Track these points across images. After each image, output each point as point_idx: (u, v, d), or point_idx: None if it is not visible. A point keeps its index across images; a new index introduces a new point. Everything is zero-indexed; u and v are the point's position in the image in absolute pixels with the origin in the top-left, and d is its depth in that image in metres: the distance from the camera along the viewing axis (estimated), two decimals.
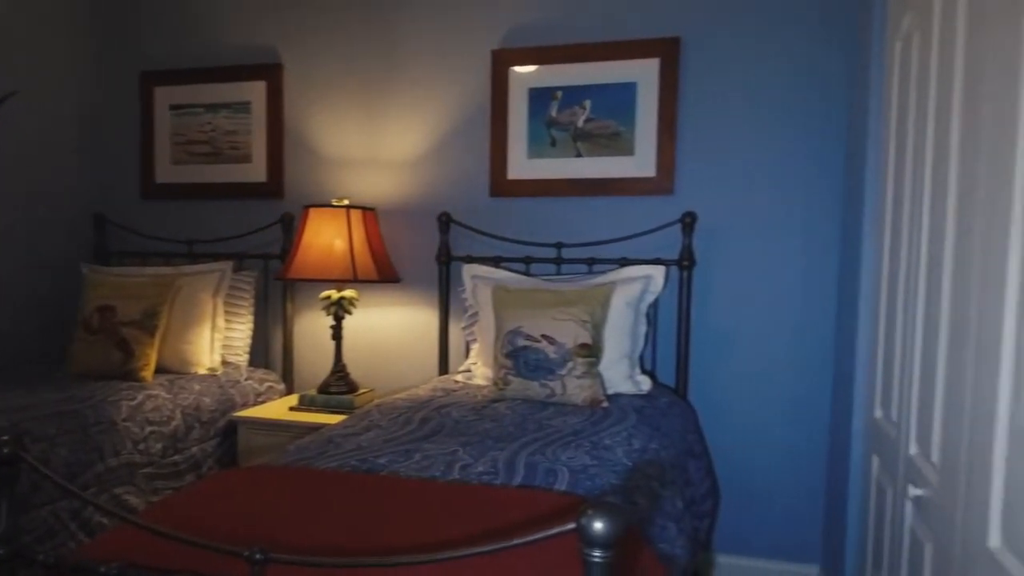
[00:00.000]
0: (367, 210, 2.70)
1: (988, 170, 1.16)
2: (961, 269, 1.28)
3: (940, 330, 1.38)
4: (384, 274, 2.65)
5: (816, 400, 2.49)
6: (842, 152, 2.45)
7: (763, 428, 2.54)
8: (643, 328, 2.41)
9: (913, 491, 1.46)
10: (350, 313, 2.69)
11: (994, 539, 1.08)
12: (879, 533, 1.81)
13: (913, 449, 1.54)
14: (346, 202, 2.68)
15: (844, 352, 2.26)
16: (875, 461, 1.89)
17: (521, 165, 2.77)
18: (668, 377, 2.58)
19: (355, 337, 2.92)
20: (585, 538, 0.87)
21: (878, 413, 1.88)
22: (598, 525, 0.87)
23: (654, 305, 2.53)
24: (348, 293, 2.67)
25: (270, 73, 3.01)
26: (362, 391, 2.69)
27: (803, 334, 2.50)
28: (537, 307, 2.24)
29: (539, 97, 2.74)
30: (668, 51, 2.58)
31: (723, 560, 2.57)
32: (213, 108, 3.10)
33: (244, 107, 3.06)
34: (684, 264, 2.50)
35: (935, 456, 1.39)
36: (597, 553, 0.88)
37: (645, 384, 2.30)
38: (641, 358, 2.44)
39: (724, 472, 2.56)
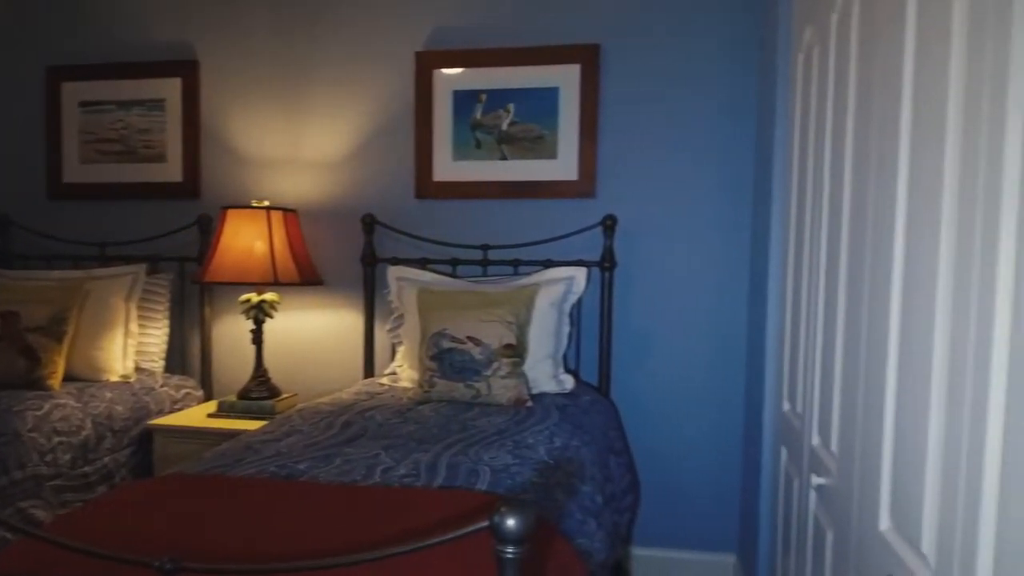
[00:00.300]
0: (288, 211, 2.66)
1: (876, 180, 1.24)
2: (854, 272, 1.37)
3: (837, 330, 1.46)
4: (306, 276, 2.61)
5: (731, 395, 2.59)
6: (753, 159, 2.56)
7: (682, 423, 2.62)
8: (567, 328, 2.45)
9: (816, 480, 1.54)
10: (271, 316, 2.64)
11: (884, 522, 1.16)
12: (788, 521, 1.90)
13: (815, 440, 1.63)
14: (266, 203, 2.63)
15: (755, 349, 2.36)
16: (783, 452, 1.98)
17: (446, 167, 2.77)
18: (591, 376, 2.63)
19: (277, 341, 2.86)
20: (498, 535, 0.89)
21: (786, 406, 1.98)
22: (510, 522, 0.89)
23: (577, 305, 2.58)
24: (269, 296, 2.62)
25: (186, 70, 2.92)
26: (284, 396, 2.64)
27: (719, 332, 2.60)
28: (462, 309, 2.25)
29: (464, 99, 2.76)
30: (588, 58, 2.64)
31: (645, 553, 2.65)
32: (125, 105, 2.99)
33: (158, 104, 2.96)
34: (605, 266, 2.56)
35: (834, 447, 1.47)
36: (510, 549, 0.90)
37: (569, 383, 2.34)
38: (565, 357, 2.48)
39: (645, 467, 2.64)
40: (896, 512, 1.11)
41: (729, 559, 2.61)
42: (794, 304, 1.92)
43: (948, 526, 0.91)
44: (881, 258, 1.20)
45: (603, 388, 2.57)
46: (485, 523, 0.88)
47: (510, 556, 0.90)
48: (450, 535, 0.89)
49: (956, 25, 0.93)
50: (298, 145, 2.86)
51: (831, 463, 1.49)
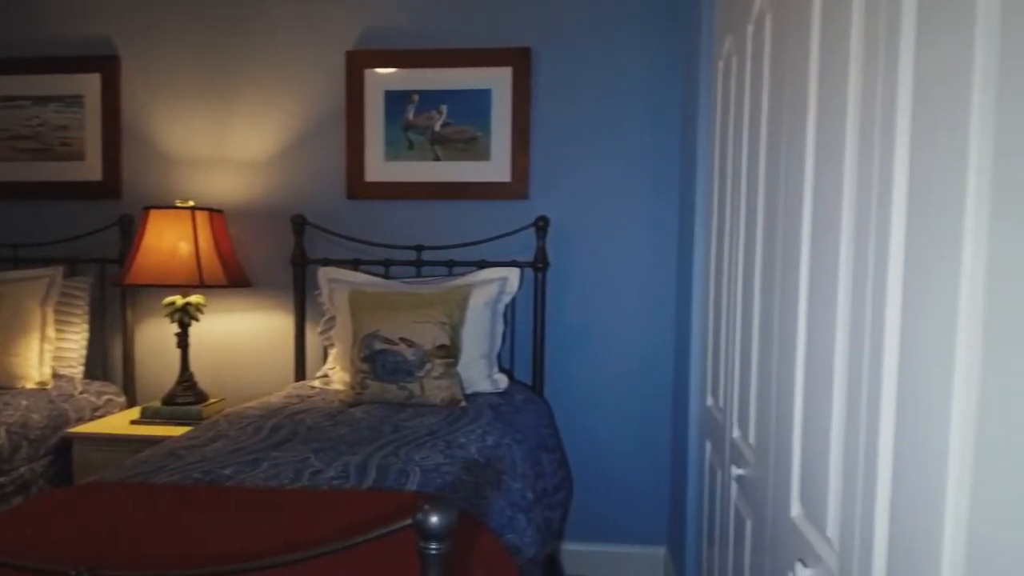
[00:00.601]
0: (215, 212, 2.60)
1: (786, 188, 1.31)
2: (767, 275, 1.43)
3: (753, 329, 1.53)
4: (233, 278, 2.56)
5: (662, 391, 2.67)
6: (679, 162, 2.63)
7: (614, 420, 2.68)
8: (500, 328, 2.47)
9: (736, 471, 1.61)
10: (196, 320, 2.57)
11: (795, 509, 1.22)
12: (712, 512, 1.97)
13: (736, 433, 1.69)
14: (191, 203, 2.57)
15: (682, 347, 2.43)
16: (708, 445, 2.05)
17: (379, 168, 2.76)
18: (526, 375, 2.66)
19: (203, 345, 2.79)
20: (421, 532, 0.90)
21: (709, 401, 2.05)
22: (433, 519, 0.91)
23: (512, 306, 2.61)
24: (194, 299, 2.55)
25: (105, 65, 2.82)
26: (211, 401, 2.58)
27: (650, 331, 2.67)
28: (395, 310, 2.25)
29: (396, 100, 2.75)
30: (520, 60, 2.67)
31: (578, 548, 2.69)
32: (41, 101, 2.86)
33: (76, 101, 2.85)
34: (538, 266, 2.60)
35: (751, 438, 1.54)
36: (433, 545, 0.92)
37: (502, 382, 2.36)
38: (500, 357, 2.51)
39: (578, 463, 2.69)
40: (805, 499, 1.17)
41: (659, 551, 2.68)
42: (716, 304, 1.99)
43: (849, 511, 0.96)
44: (790, 263, 1.26)
45: (537, 387, 2.61)
46: (408, 521, 0.90)
47: (434, 552, 0.92)
48: (373, 534, 0.90)
49: (854, 43, 0.99)
50: (225, 144, 2.80)
51: (749, 454, 1.55)
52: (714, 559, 1.94)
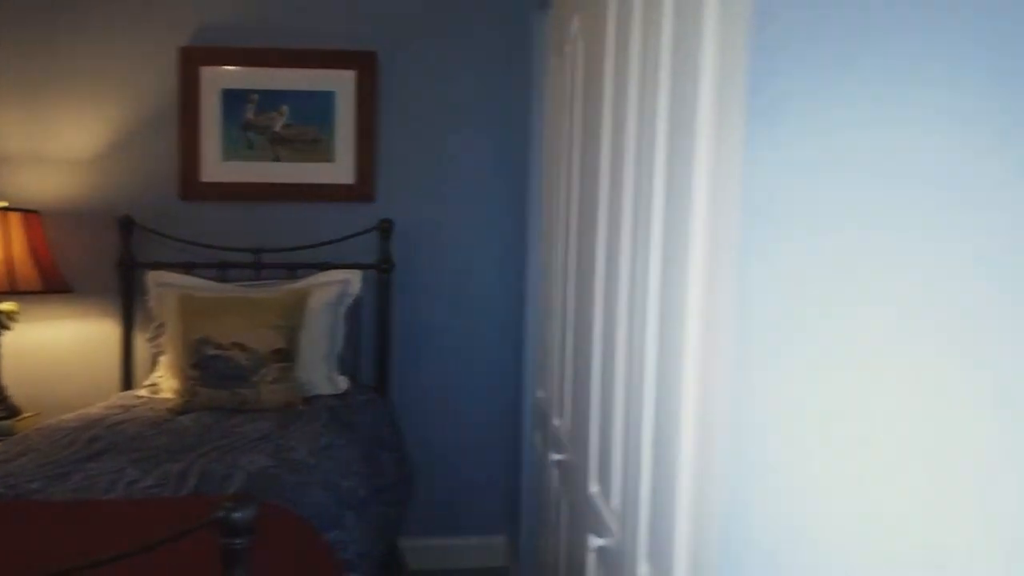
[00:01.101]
0: (30, 213, 2.43)
1: (590, 194, 1.43)
2: (581, 273, 1.56)
3: (568, 327, 1.65)
4: (51, 284, 2.40)
5: (505, 387, 2.78)
6: (523, 165, 2.76)
7: (460, 416, 2.76)
8: (342, 330, 2.48)
9: (555, 456, 1.72)
10: (8, 328, 2.39)
11: (593, 487, 1.34)
12: (542, 498, 2.10)
13: (556, 421, 1.82)
14: (3, 204, 2.38)
15: (519, 342, 2.55)
16: (538, 436, 2.18)
17: (215, 168, 2.68)
18: (373, 376, 2.68)
19: (17, 355, 2.59)
20: (224, 528, 0.93)
21: (540, 393, 2.17)
22: (236, 515, 0.94)
23: (358, 307, 2.62)
24: (6, 306, 2.37)
25: None
26: (25, 415, 2.40)
27: (494, 328, 2.77)
28: (229, 314, 2.20)
29: (234, 99, 2.68)
30: (365, 64, 2.68)
31: (423, 542, 2.75)
32: None
33: None
34: (383, 268, 2.63)
35: (567, 427, 1.66)
36: (236, 541, 0.94)
37: (343, 384, 2.38)
38: (344, 359, 2.51)
39: (424, 460, 2.74)
40: (601, 478, 1.29)
41: (500, 540, 2.79)
42: (545, 302, 2.12)
43: (632, 486, 1.08)
44: (588, 265, 1.39)
45: (381, 387, 2.64)
46: (210, 519, 0.92)
47: (237, 547, 0.94)
48: (174, 535, 0.91)
49: (633, 66, 1.12)
50: (41, 140, 2.62)
51: (567, 441, 1.67)
52: (546, 541, 2.06)
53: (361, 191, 2.70)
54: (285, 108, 2.70)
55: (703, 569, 0.76)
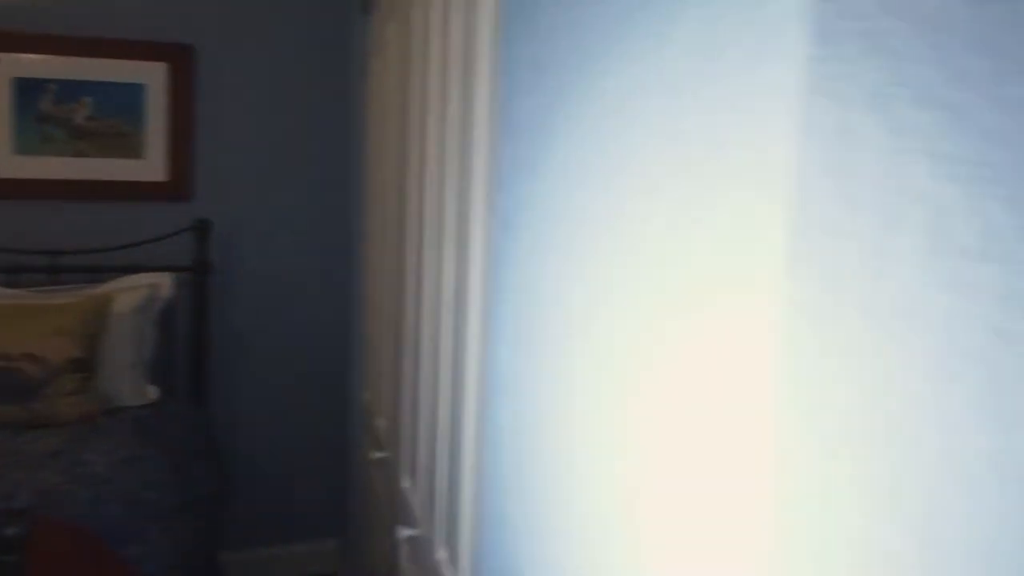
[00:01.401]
0: None
1: (396, 185, 1.47)
2: (398, 274, 1.60)
3: (386, 326, 1.69)
4: None
5: (335, 389, 2.74)
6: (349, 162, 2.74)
7: (287, 421, 2.69)
8: (152, 337, 2.35)
9: (376, 455, 1.75)
10: None
11: (406, 481, 1.38)
12: (367, 498, 2.11)
13: (379, 422, 1.84)
14: None
15: (348, 345, 2.55)
16: (365, 437, 2.19)
17: (6, 163, 2.44)
18: (190, 384, 2.55)
19: None
20: None
21: (366, 395, 2.18)
22: (8, 532, 0.88)
23: (172, 313, 2.48)
24: None
25: None
26: None
27: (323, 330, 2.72)
28: (18, 323, 2.02)
29: (29, 89, 2.46)
30: (180, 57, 2.55)
31: (249, 554, 2.65)
32: None
33: None
34: (199, 271, 2.51)
35: (387, 426, 1.69)
36: (7, 558, 0.89)
37: (153, 394, 2.25)
38: (157, 368, 2.37)
39: (248, 469, 2.65)
40: (412, 473, 1.33)
41: (330, 544, 2.76)
42: (368, 302, 2.14)
43: (433, 479, 1.13)
44: (400, 265, 1.43)
45: (198, 396, 2.52)
46: None
47: (7, 563, 0.89)
48: None
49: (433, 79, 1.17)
50: None
51: (385, 439, 1.70)
52: (371, 543, 2.07)
53: (175, 189, 2.57)
54: (88, 100, 2.51)
55: (483, 555, 0.83)
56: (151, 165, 2.57)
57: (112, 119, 2.53)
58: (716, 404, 0.39)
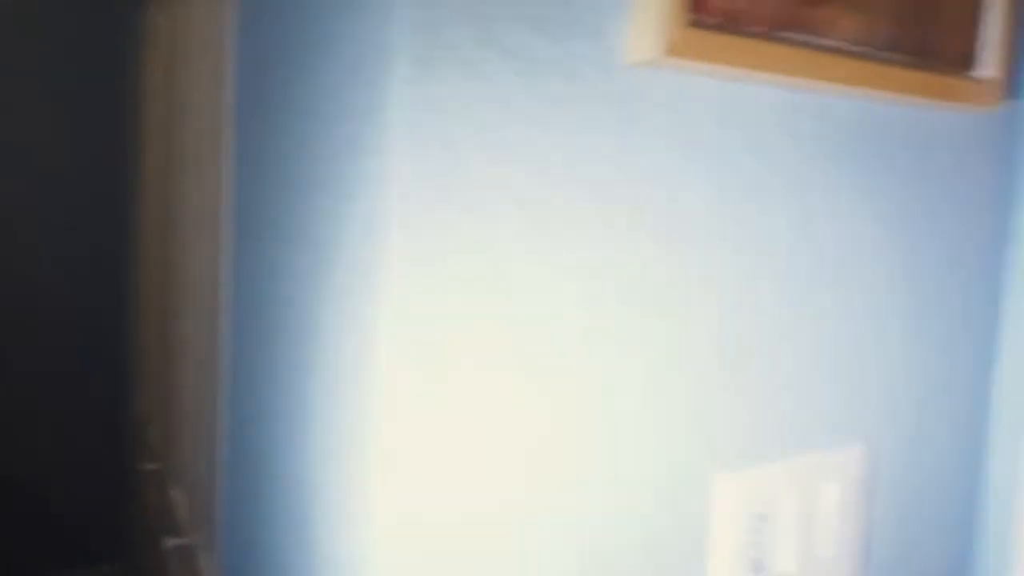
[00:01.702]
0: None
1: (165, 177, 1.40)
2: (167, 271, 1.52)
3: (155, 332, 1.60)
4: None
5: (95, 403, 2.50)
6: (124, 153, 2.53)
7: (45, 442, 2.43)
8: None
9: (148, 465, 1.65)
10: None
11: (175, 491, 1.32)
12: (141, 514, 1.98)
13: (151, 432, 1.74)
14: None
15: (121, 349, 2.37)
16: (143, 450, 2.05)
17: None
18: None
19: None
20: None
21: (139, 404, 2.05)
22: None
23: None
24: None
25: None
26: None
27: (91, 336, 2.46)
28: None
29: None
30: None
31: None
32: None
33: None
34: None
35: (158, 433, 1.61)
36: None
37: None
38: None
39: (12, 496, 2.37)
40: (183, 480, 1.28)
41: (112, 569, 2.54)
42: (138, 304, 2.01)
43: (200, 491, 1.09)
44: (169, 260, 1.37)
45: None
46: None
47: None
48: None
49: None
50: None
51: (158, 449, 1.62)
52: (149, 559, 1.95)
53: None
54: None
55: (235, 556, 0.82)
56: None
57: None
58: (353, 366, 0.44)
